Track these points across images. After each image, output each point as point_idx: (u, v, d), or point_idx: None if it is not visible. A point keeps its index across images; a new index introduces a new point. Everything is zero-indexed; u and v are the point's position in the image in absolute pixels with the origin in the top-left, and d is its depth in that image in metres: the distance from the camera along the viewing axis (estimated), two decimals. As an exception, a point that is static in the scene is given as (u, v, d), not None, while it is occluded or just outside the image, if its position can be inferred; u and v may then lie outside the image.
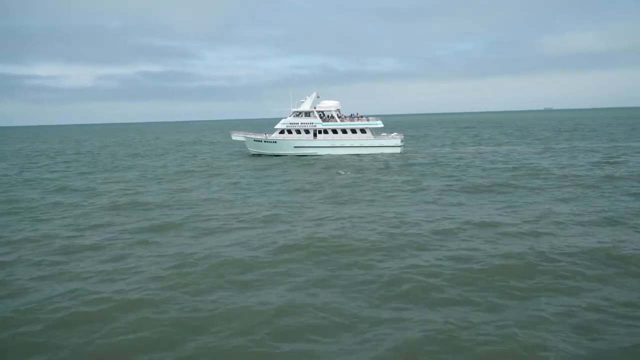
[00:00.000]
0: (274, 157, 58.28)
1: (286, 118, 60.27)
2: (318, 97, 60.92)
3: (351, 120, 59.57)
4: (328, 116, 59.97)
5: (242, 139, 64.85)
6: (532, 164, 42.67)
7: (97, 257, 18.04)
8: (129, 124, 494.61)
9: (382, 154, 56.99)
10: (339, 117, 59.61)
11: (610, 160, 43.02)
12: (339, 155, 57.72)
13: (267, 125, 79.40)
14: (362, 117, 60.11)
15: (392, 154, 56.97)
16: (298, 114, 59.72)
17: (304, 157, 56.82)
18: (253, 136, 63.55)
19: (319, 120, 59.12)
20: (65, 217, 25.39)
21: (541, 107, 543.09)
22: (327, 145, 59.07)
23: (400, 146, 58.67)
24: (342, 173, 41.71)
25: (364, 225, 21.73)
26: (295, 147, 59.78)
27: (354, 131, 58.85)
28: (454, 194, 29.12)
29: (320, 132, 59.14)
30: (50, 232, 21.88)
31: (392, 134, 61.38)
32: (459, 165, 43.78)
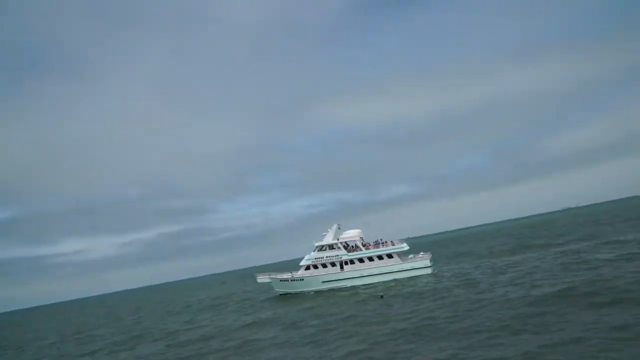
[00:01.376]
0: (306, 295, 56.64)
1: (310, 254, 59.90)
2: (339, 228, 61.17)
3: (376, 247, 58.95)
4: (352, 246, 59.55)
5: (268, 280, 63.99)
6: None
7: None
8: (157, 285, 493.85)
9: (414, 277, 55.34)
10: (363, 246, 59.12)
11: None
12: (370, 284, 56.09)
13: (288, 266, 78.41)
14: (386, 242, 59.53)
15: (424, 275, 55.31)
16: (322, 247, 59.46)
17: (339, 291, 54.91)
18: (279, 276, 62.67)
19: (343, 251, 58.62)
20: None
21: (560, 208, 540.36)
22: (356, 276, 57.75)
23: (430, 266, 57.16)
24: (394, 304, 36.64)
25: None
26: (323, 281, 58.50)
27: (380, 257, 57.91)
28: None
29: (346, 263, 58.26)
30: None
31: (420, 255, 60.28)
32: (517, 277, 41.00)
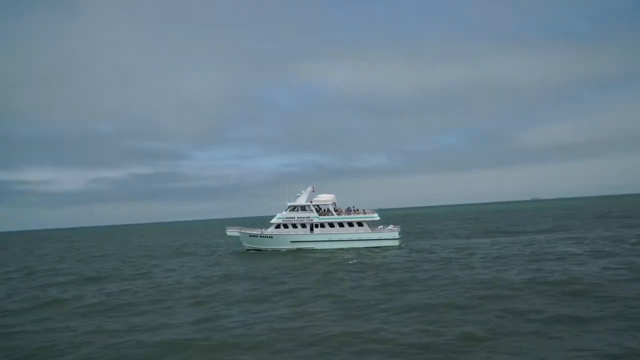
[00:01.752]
0: (274, 253, 56.79)
1: (282, 212, 59.86)
2: (313, 191, 61.00)
3: (347, 214, 59.15)
4: (324, 210, 59.62)
5: (237, 234, 63.84)
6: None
7: None
8: (123, 225, 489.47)
9: (381, 247, 56.02)
10: (335, 211, 59.28)
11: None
12: (337, 248, 56.59)
13: (259, 222, 78.20)
14: (358, 210, 59.79)
15: (391, 247, 56.03)
16: (294, 208, 59.38)
17: (310, 252, 54.92)
18: (248, 231, 62.59)
19: (315, 214, 58.68)
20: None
21: (528, 198, 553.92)
22: (325, 239, 58.06)
23: (398, 238, 57.86)
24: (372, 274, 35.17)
25: None
26: (292, 241, 58.70)
27: (350, 224, 58.23)
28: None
29: (317, 225, 58.46)
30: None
31: (389, 227, 60.86)
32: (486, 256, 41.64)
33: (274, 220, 60.01)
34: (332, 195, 61.55)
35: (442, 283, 29.43)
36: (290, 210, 59.45)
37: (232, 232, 64.68)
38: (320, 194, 61.47)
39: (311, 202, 59.58)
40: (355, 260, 44.05)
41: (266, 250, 59.42)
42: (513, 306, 22.41)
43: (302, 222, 58.74)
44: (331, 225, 58.36)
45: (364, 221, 58.37)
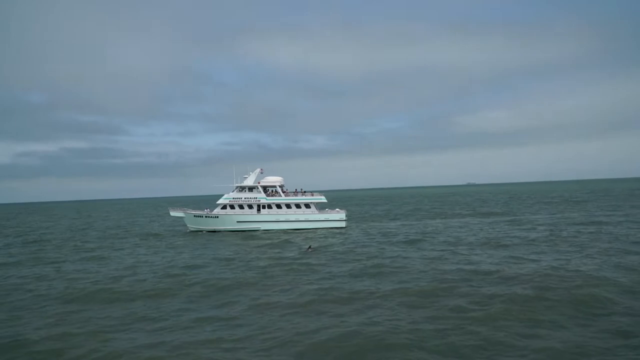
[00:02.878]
0: (220, 234, 56.24)
1: (229, 193, 59.37)
2: (262, 172, 60.92)
3: (295, 195, 59.61)
4: (272, 191, 59.75)
5: (181, 215, 62.70)
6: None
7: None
8: (54, 202, 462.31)
9: (327, 228, 56.95)
10: (283, 192, 59.54)
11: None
12: (284, 229, 57.00)
13: (201, 202, 75.72)
14: (305, 192, 60.38)
15: (337, 228, 57.09)
16: (242, 189, 59.10)
17: (257, 232, 54.83)
18: (193, 212, 61.64)
19: (263, 195, 58.67)
20: None
21: (464, 182, 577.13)
22: (271, 220, 58.33)
23: (344, 220, 59.02)
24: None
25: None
26: (238, 222, 58.50)
27: (298, 206, 58.74)
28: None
29: (264, 206, 58.53)
30: None
31: (336, 209, 61.83)
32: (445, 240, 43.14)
33: (220, 201, 59.44)
34: (280, 178, 61.71)
35: (414, 266, 29.50)
36: (237, 191, 59.10)
37: (175, 213, 63.49)
38: (267, 175, 61.47)
39: (259, 183, 59.47)
40: (311, 245, 42.01)
41: (212, 231, 58.73)
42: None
43: (249, 202, 58.61)
44: (278, 206, 58.61)
45: (311, 203, 59.02)
